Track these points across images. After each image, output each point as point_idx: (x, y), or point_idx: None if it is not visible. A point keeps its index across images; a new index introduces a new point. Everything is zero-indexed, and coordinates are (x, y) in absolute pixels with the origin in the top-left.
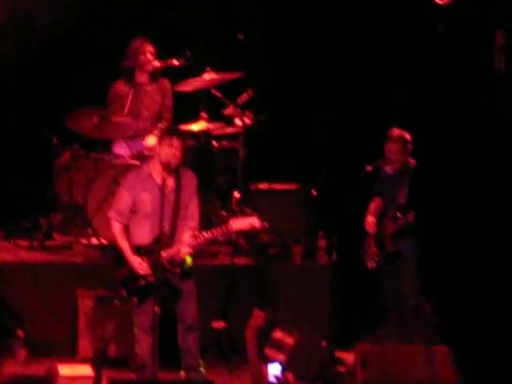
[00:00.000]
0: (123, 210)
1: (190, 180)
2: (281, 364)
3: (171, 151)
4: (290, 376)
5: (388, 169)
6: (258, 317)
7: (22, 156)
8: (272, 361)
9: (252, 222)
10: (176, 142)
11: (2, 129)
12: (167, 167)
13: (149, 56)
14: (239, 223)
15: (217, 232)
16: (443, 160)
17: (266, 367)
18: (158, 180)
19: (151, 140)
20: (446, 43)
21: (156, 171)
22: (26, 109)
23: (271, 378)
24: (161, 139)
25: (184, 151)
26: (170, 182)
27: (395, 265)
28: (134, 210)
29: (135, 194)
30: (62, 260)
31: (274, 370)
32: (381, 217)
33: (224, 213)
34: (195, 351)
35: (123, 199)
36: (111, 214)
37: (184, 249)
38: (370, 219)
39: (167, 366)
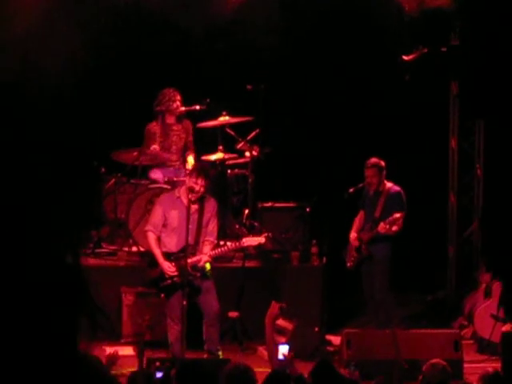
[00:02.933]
0: (157, 223)
1: (211, 205)
2: (288, 345)
3: (196, 187)
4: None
5: (369, 189)
6: (274, 307)
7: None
8: (283, 344)
9: (259, 240)
10: (201, 181)
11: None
12: (191, 196)
13: (178, 103)
14: (250, 241)
15: (231, 246)
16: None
17: (277, 347)
18: (185, 202)
19: (191, 159)
20: (412, 90)
21: (184, 195)
22: (78, 144)
23: (280, 356)
24: (190, 175)
25: (207, 185)
26: (195, 205)
27: (369, 265)
28: (165, 224)
29: (166, 211)
30: (108, 264)
31: (283, 349)
32: (362, 227)
33: (237, 225)
34: (215, 339)
35: (157, 214)
36: (148, 226)
37: (205, 258)
38: (353, 235)
39: (193, 348)
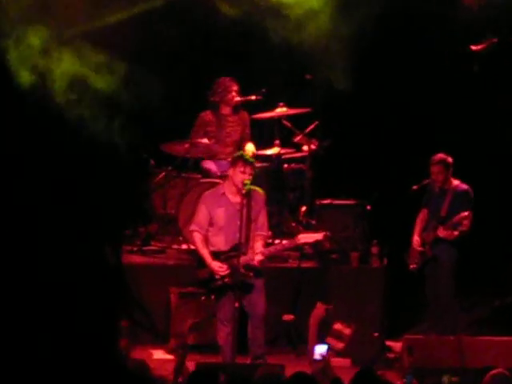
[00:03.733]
0: (203, 223)
1: (258, 197)
2: (328, 345)
3: (244, 177)
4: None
5: (434, 187)
6: (320, 308)
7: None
8: (321, 343)
9: (316, 237)
10: (249, 170)
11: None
12: (239, 189)
13: (234, 94)
14: (305, 238)
15: (287, 244)
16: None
17: (315, 348)
18: (231, 198)
19: (250, 146)
20: (481, 83)
21: (229, 191)
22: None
23: (317, 356)
24: (235, 165)
25: (254, 176)
26: (241, 200)
27: (433, 267)
28: (211, 224)
29: (212, 210)
30: (157, 262)
31: (321, 349)
32: (426, 226)
33: (293, 224)
34: (261, 343)
35: (202, 214)
36: (192, 226)
37: (258, 256)
38: (416, 239)
39: (245, 353)
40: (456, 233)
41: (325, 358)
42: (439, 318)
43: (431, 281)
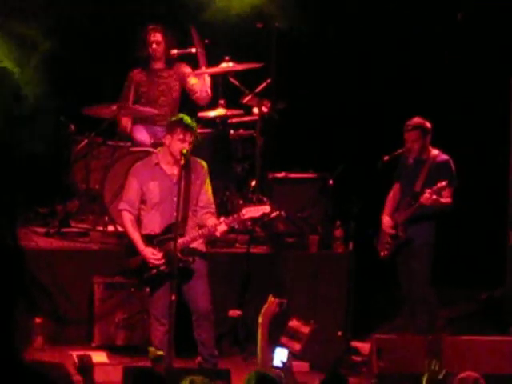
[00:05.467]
0: (133, 200)
1: (199, 169)
2: (288, 350)
3: (183, 145)
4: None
5: (408, 157)
6: (272, 303)
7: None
8: (281, 346)
9: (263, 209)
10: (189, 137)
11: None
12: (176, 159)
13: (154, 46)
14: (251, 211)
15: (229, 221)
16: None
17: (273, 352)
18: (167, 170)
19: (194, 80)
20: (467, 36)
21: (164, 161)
22: (43, 97)
23: (277, 363)
24: (172, 130)
25: (195, 144)
26: (179, 172)
27: (407, 253)
28: (143, 200)
29: (144, 184)
30: (78, 247)
31: (281, 355)
32: (398, 204)
33: (241, 201)
34: (209, 343)
35: (132, 189)
36: (121, 205)
37: (221, 227)
38: (386, 219)
39: (184, 354)
40: (444, 200)
41: (286, 365)
42: (414, 313)
43: (405, 268)
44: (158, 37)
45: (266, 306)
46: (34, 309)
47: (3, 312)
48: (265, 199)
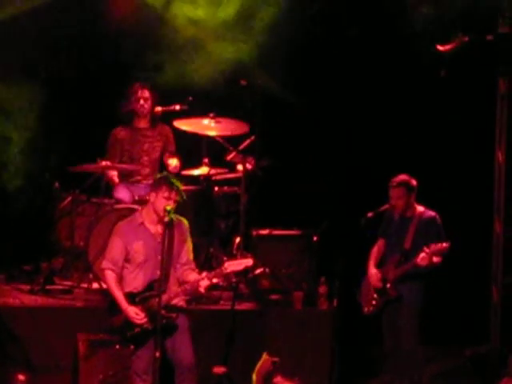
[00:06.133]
0: (116, 259)
1: (182, 227)
2: None
3: (168, 203)
4: None
5: (393, 214)
6: (266, 361)
7: (25, 200)
8: None
9: (246, 262)
10: (174, 195)
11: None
12: (160, 218)
13: (142, 102)
14: (233, 265)
15: (212, 275)
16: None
17: None
18: (151, 229)
19: (174, 161)
20: (449, 89)
21: (148, 220)
22: (28, 154)
23: None
24: (158, 188)
25: (181, 201)
26: (163, 230)
27: (393, 310)
28: (127, 259)
29: (128, 243)
30: (62, 304)
31: None
32: (382, 261)
33: (225, 258)
34: None
35: (116, 248)
36: (104, 263)
37: (204, 282)
38: (373, 272)
39: None
40: (436, 259)
41: None
42: (400, 369)
43: (391, 325)
44: (146, 93)
45: (260, 364)
46: (8, 360)
47: None
48: (248, 255)
